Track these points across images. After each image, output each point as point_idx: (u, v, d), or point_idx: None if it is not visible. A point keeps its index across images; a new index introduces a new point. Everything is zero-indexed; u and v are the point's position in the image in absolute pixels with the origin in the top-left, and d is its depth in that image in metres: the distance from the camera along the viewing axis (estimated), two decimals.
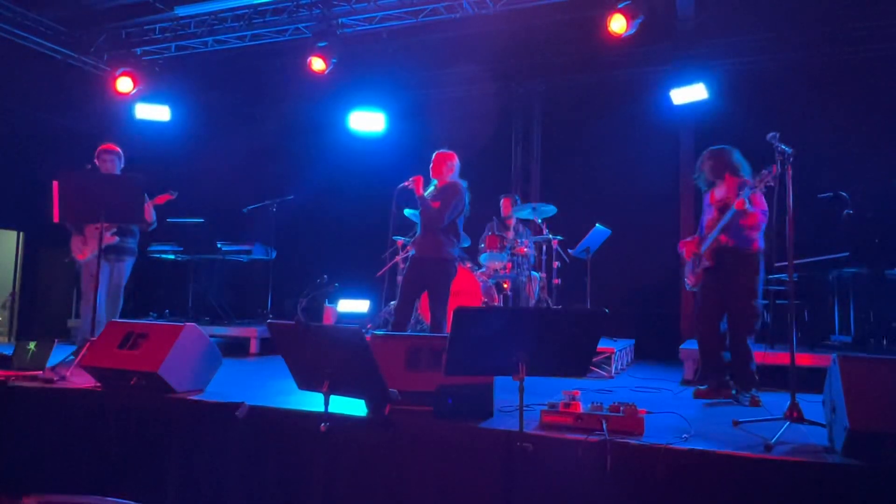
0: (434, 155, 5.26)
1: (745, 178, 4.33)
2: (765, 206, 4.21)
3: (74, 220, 5.20)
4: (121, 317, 5.52)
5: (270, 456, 3.44)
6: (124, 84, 7.86)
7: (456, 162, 5.27)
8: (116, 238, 5.44)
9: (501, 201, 7.24)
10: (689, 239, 4.69)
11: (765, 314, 6.01)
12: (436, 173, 5.20)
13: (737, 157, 4.44)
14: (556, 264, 6.88)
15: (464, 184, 5.25)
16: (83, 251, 5.40)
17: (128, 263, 5.60)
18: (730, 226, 4.21)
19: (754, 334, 4.26)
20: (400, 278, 7.10)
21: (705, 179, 4.56)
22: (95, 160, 5.51)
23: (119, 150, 5.61)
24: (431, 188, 5.26)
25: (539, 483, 2.93)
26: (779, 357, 4.75)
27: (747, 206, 4.06)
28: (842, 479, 2.62)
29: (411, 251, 5.38)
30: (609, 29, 6.12)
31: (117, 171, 5.52)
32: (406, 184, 5.08)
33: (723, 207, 4.32)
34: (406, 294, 5.11)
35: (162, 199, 5.70)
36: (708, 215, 4.50)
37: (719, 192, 4.42)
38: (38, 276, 8.65)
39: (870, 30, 6.82)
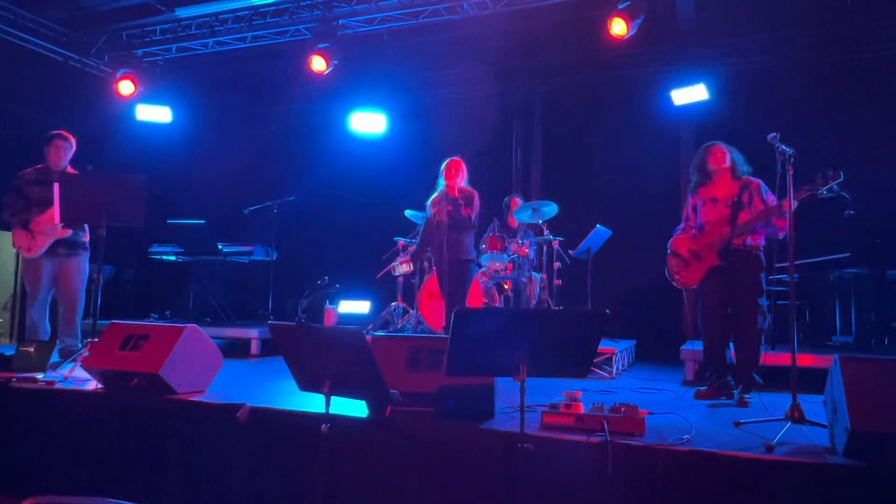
0: (448, 161, 5.57)
1: (747, 177, 4.34)
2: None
3: (76, 221, 5.16)
4: (121, 318, 5.45)
5: (271, 457, 3.44)
6: (125, 87, 7.88)
7: (465, 168, 5.61)
8: (69, 231, 5.18)
9: (510, 200, 7.23)
10: (681, 235, 4.60)
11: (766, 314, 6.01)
12: (450, 178, 5.47)
13: (739, 155, 4.43)
14: (556, 265, 6.88)
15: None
16: (31, 247, 5.13)
17: (83, 259, 5.29)
18: (765, 224, 4.17)
19: (763, 334, 4.23)
20: (401, 279, 7.12)
21: (702, 171, 4.48)
22: (46, 144, 5.29)
23: (72, 138, 5.39)
24: (438, 192, 5.40)
25: (540, 484, 2.93)
26: (780, 357, 4.74)
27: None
28: (843, 480, 2.62)
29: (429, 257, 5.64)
30: (610, 32, 6.13)
31: (67, 160, 5.33)
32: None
33: (733, 204, 4.28)
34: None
35: None
36: (705, 210, 4.43)
37: (718, 188, 4.40)
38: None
39: (871, 30, 6.81)
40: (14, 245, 5.25)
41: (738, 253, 4.27)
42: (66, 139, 5.36)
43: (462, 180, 5.54)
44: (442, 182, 5.55)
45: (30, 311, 5.21)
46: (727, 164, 4.39)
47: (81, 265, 5.33)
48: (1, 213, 5.30)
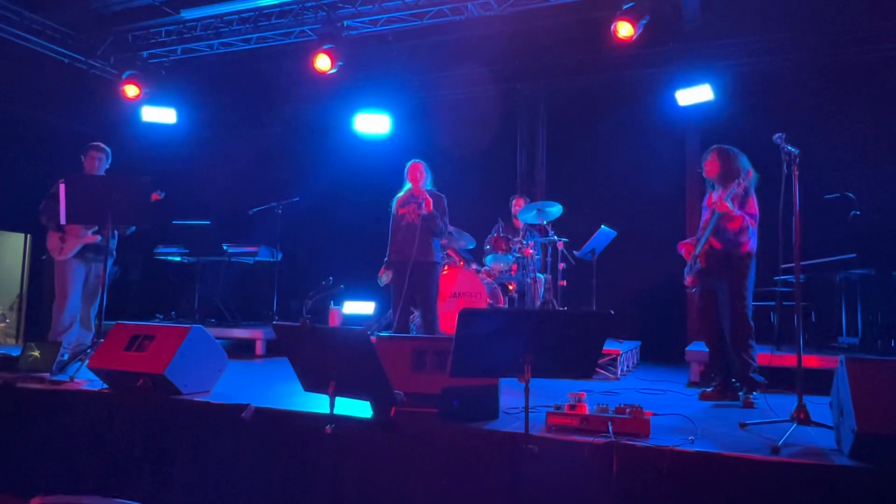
0: (410, 164, 5.51)
1: (742, 183, 4.33)
2: (754, 209, 4.24)
3: (81, 221, 5.21)
4: (126, 319, 5.49)
5: (276, 458, 3.45)
6: (130, 91, 7.92)
7: (429, 170, 5.55)
8: (98, 237, 5.31)
9: (514, 201, 7.21)
10: (688, 240, 4.72)
11: (771, 315, 5.99)
12: (413, 181, 5.45)
13: (741, 161, 4.41)
14: (561, 266, 6.87)
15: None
16: (62, 250, 5.28)
17: (108, 262, 5.42)
18: (717, 229, 4.29)
19: (752, 336, 4.24)
20: None
21: (704, 176, 4.58)
22: (82, 156, 5.46)
23: (108, 148, 5.56)
24: (404, 191, 5.40)
25: (545, 485, 2.92)
26: (786, 359, 4.73)
27: (730, 207, 4.15)
28: (849, 482, 2.61)
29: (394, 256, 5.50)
30: (617, 35, 6.12)
31: (103, 169, 5.48)
32: (423, 210, 5.29)
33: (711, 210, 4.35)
34: (404, 298, 5.36)
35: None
36: (703, 217, 4.54)
37: (716, 194, 4.43)
38: (45, 279, 8.69)
39: (877, 30, 6.78)
40: (47, 247, 5.38)
41: (717, 256, 4.33)
42: (101, 150, 5.52)
43: (424, 181, 5.46)
44: (408, 184, 5.49)
45: (60, 315, 5.26)
46: (715, 173, 4.45)
47: (105, 268, 5.44)
48: (39, 218, 5.43)
